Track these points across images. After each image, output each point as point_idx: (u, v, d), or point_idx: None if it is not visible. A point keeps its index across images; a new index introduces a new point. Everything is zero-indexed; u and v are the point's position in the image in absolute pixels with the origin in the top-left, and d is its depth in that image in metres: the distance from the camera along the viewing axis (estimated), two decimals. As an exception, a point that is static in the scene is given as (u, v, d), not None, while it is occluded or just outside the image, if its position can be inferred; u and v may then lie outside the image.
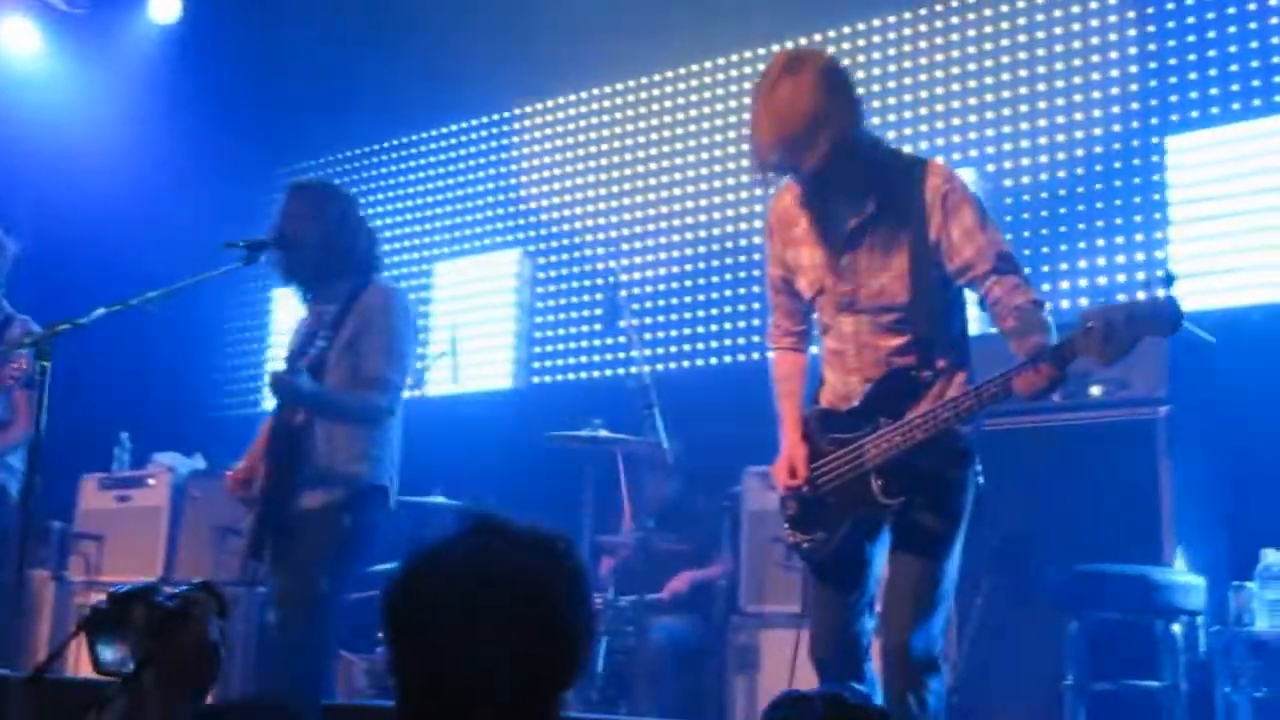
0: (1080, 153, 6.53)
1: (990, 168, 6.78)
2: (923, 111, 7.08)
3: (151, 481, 7.70)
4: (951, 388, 3.65)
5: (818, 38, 7.53)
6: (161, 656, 2.42)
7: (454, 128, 9.13)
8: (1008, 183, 6.71)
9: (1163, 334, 3.30)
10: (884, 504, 3.61)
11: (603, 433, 6.09)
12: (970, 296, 3.76)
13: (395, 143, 9.41)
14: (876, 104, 7.22)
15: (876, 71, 7.28)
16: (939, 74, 7.07)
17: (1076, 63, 6.62)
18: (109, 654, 2.46)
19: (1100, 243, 6.38)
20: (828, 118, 3.52)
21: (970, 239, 3.58)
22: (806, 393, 3.94)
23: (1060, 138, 6.62)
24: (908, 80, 7.17)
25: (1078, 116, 6.59)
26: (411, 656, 1.97)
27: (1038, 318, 3.51)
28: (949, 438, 3.60)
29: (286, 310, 5.33)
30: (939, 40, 7.10)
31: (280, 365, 4.85)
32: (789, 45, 7.57)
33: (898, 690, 3.61)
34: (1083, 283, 6.38)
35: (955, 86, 7.00)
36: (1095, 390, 5.11)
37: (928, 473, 3.62)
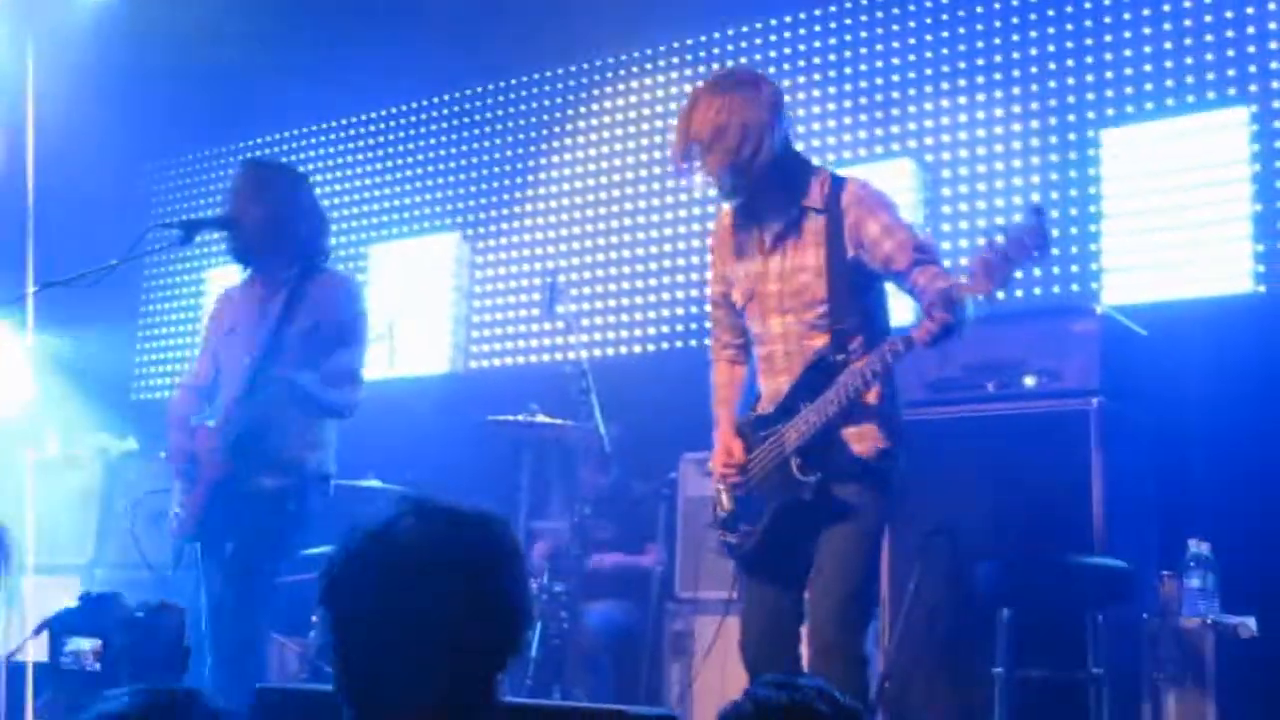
0: (1017, 145, 6.58)
1: (929, 158, 6.81)
2: (862, 101, 7.11)
3: (83, 464, 7.62)
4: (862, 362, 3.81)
5: (757, 25, 7.54)
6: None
7: (391, 110, 9.08)
8: (945, 174, 6.75)
9: (1036, 256, 3.59)
10: (801, 481, 3.80)
11: (540, 418, 6.09)
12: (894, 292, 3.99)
13: (331, 124, 9.33)
14: (817, 93, 7.24)
15: (817, 60, 7.30)
16: (878, 64, 7.10)
17: (1015, 55, 6.67)
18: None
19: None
20: (757, 128, 3.82)
21: (889, 234, 3.82)
22: (744, 405, 4.14)
23: (997, 130, 6.66)
24: (847, 70, 7.19)
25: (1015, 109, 6.63)
26: (351, 637, 1.97)
27: (966, 301, 3.68)
28: (868, 432, 3.85)
29: (219, 291, 5.28)
30: (879, 31, 7.12)
31: (238, 349, 4.82)
32: (726, 34, 7.62)
33: (825, 679, 3.66)
34: (1018, 274, 6.41)
35: (895, 78, 7.03)
36: (1028, 381, 5.15)
37: (846, 459, 3.83)
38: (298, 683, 5.92)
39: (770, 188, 3.91)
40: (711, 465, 4.09)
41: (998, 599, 4.71)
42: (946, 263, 3.75)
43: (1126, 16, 6.36)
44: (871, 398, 3.83)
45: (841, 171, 4.08)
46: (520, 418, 6.11)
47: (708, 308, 4.33)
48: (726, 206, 4.12)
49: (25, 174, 8.83)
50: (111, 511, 7.36)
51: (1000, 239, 3.58)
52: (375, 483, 6.58)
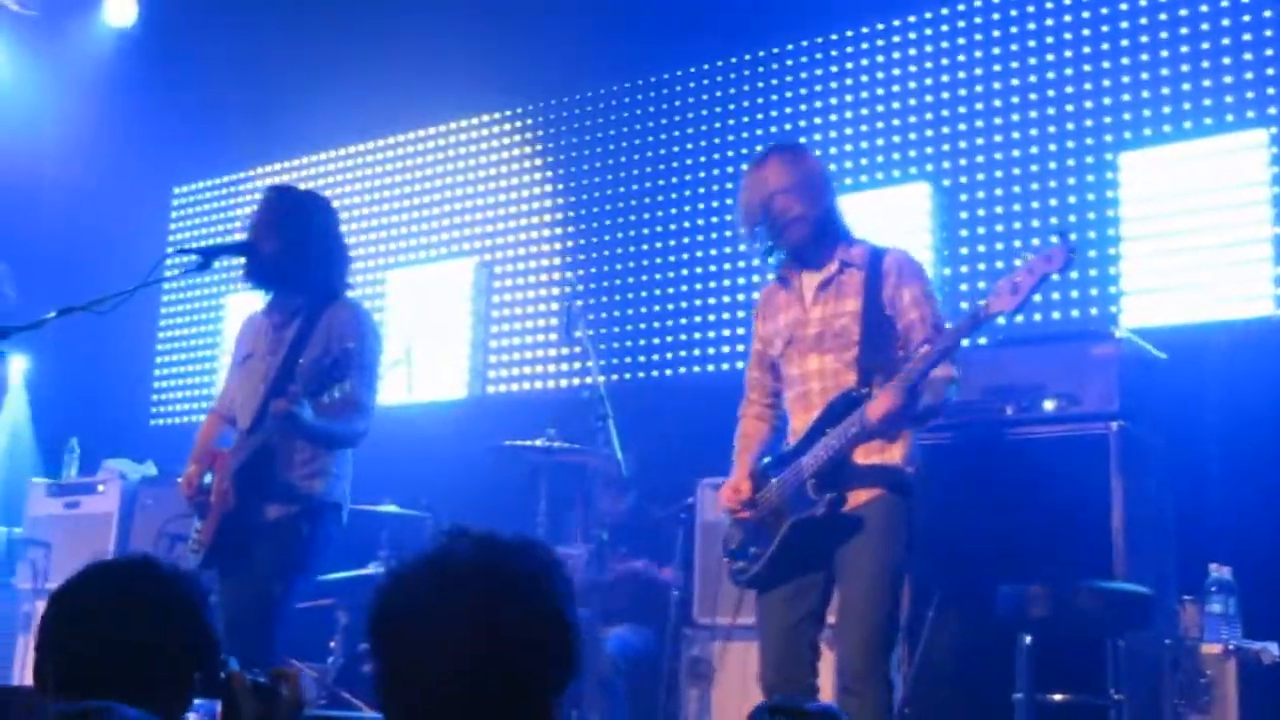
0: (1034, 168, 6.56)
1: (946, 182, 6.81)
2: (879, 125, 7.11)
3: (101, 488, 7.64)
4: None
5: (774, 50, 7.55)
6: None
7: (408, 136, 9.11)
8: (963, 197, 6.74)
9: (1059, 270, 3.81)
10: (813, 499, 3.98)
11: (557, 443, 6.08)
12: None
13: (350, 150, 9.37)
14: (834, 117, 7.25)
15: (834, 85, 7.30)
16: (895, 88, 7.10)
17: (1031, 79, 6.66)
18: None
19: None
20: (820, 185, 4.27)
21: (916, 306, 4.15)
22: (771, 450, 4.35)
23: (1015, 153, 6.65)
24: (864, 95, 7.19)
25: (1033, 133, 6.62)
26: (406, 668, 1.94)
27: (946, 385, 4.07)
28: (885, 470, 4.06)
29: (238, 317, 5.30)
30: (895, 55, 7.13)
31: (252, 378, 4.82)
32: (744, 59, 7.63)
33: (850, 705, 3.78)
34: (1036, 298, 6.39)
35: (911, 102, 7.03)
36: (1048, 405, 5.13)
37: (862, 476, 4.03)
38: (315, 710, 5.91)
39: (818, 248, 4.24)
40: (720, 499, 4.35)
41: (1017, 624, 4.67)
42: (964, 304, 3.88)
43: (1144, 39, 6.35)
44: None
45: (883, 244, 4.37)
46: (537, 443, 6.10)
47: (748, 367, 4.54)
48: (773, 278, 4.43)
49: (46, 199, 8.89)
50: (130, 536, 7.38)
51: (1022, 261, 3.83)
52: (392, 508, 6.58)
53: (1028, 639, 4.64)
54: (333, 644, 6.43)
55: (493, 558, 1.94)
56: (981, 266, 6.59)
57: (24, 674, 5.93)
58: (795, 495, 4.05)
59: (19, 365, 9.17)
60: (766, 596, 4.18)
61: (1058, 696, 4.67)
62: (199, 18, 8.80)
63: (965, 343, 4.00)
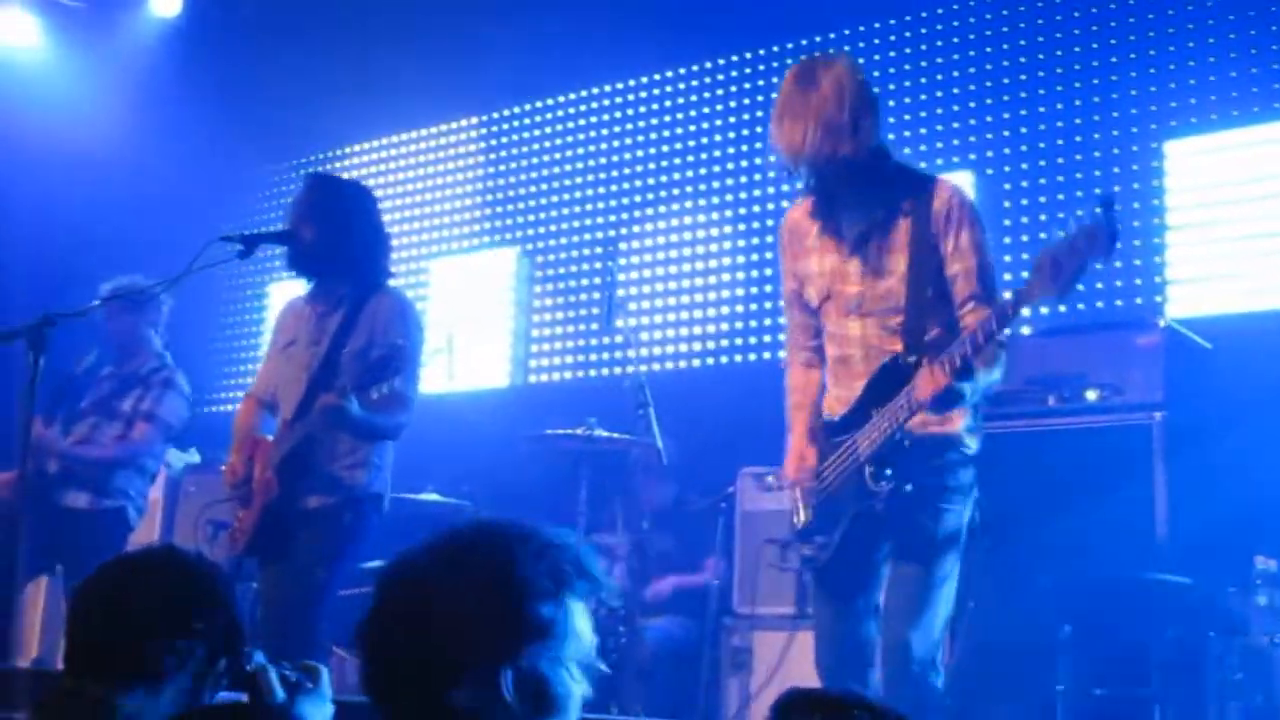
0: (1079, 157, 6.52)
1: (989, 171, 6.77)
2: (922, 115, 7.07)
3: (146, 476, 7.69)
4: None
5: (816, 39, 7.52)
6: None
7: (450, 125, 9.12)
8: (1006, 186, 6.70)
9: (1103, 253, 3.38)
10: (873, 490, 3.68)
11: (598, 432, 6.08)
12: None
13: (392, 140, 9.40)
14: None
15: (876, 74, 7.26)
16: (939, 77, 7.05)
17: (1076, 66, 6.61)
18: None
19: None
20: (862, 113, 3.66)
21: (963, 256, 3.71)
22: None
23: (1059, 142, 6.60)
24: (907, 83, 7.16)
25: (1077, 121, 6.57)
26: (371, 657, 2.01)
27: (997, 356, 3.67)
28: (946, 441, 3.72)
29: (282, 305, 5.32)
30: (938, 44, 7.08)
31: (294, 365, 4.84)
32: (785, 48, 7.60)
33: (897, 691, 3.64)
34: (1080, 287, 6.34)
35: (955, 90, 6.99)
36: (1091, 395, 5.10)
37: (921, 468, 3.68)
38: (358, 696, 5.94)
39: (856, 184, 3.74)
40: (785, 472, 3.96)
41: (1060, 616, 4.66)
42: (1007, 294, 3.60)
43: (1190, 26, 6.29)
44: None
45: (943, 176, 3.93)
46: (579, 431, 6.10)
47: (786, 306, 4.12)
48: (801, 201, 3.96)
49: (91, 189, 8.96)
50: (174, 523, 7.43)
51: (1067, 237, 3.39)
52: (434, 496, 6.60)
53: (1069, 630, 4.62)
54: (359, 630, 6.44)
55: (444, 546, 2.02)
56: (1025, 256, 6.55)
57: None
58: (855, 485, 3.73)
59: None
60: (827, 589, 3.90)
61: (1100, 689, 4.65)
62: (243, 7, 8.84)
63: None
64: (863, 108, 3.68)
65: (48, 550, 5.77)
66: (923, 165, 6.90)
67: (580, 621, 2.04)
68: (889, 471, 3.66)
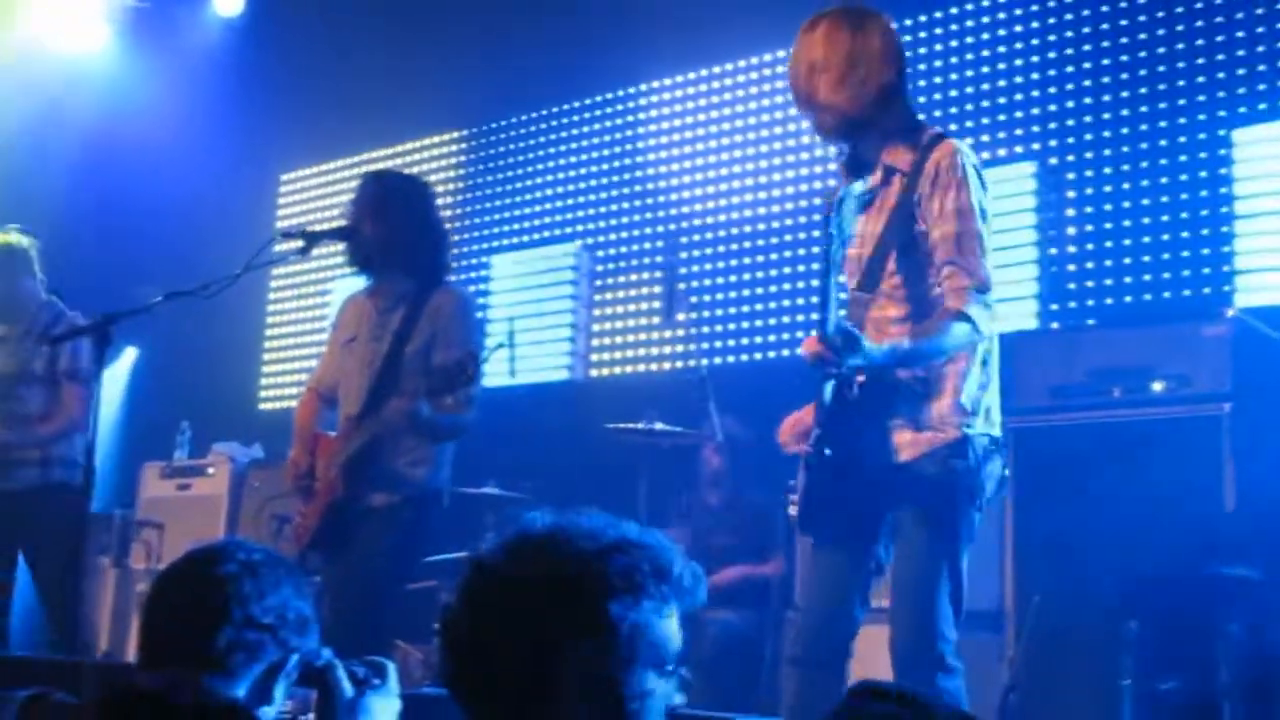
0: (1144, 146, 6.43)
1: (1052, 161, 6.69)
2: (984, 104, 7.00)
3: (211, 470, 7.78)
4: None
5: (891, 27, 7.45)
6: None
7: (511, 120, 9.13)
8: (1070, 176, 6.63)
9: None
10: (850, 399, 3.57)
11: (659, 426, 6.08)
12: None
13: (453, 135, 9.42)
14: (938, 96, 7.15)
15: (938, 64, 7.21)
16: (1000, 66, 6.98)
17: (1141, 54, 6.52)
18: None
19: (1165, 237, 6.28)
20: (887, 60, 3.63)
21: (944, 221, 3.57)
22: None
23: (1124, 131, 6.52)
24: (969, 73, 7.09)
25: (1142, 109, 6.48)
26: (456, 661, 2.01)
27: (944, 325, 3.52)
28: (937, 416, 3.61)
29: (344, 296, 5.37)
30: (1000, 32, 7.01)
31: (357, 362, 4.86)
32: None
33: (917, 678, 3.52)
34: (1147, 277, 6.28)
35: (1017, 79, 6.91)
36: (1157, 386, 5.04)
37: (927, 457, 3.59)
38: (422, 689, 5.97)
39: (859, 145, 3.73)
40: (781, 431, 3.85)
41: (1126, 610, 4.60)
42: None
43: (1260, 11, 6.18)
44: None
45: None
46: (639, 426, 6.10)
47: None
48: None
49: (156, 187, 9.06)
50: (238, 517, 7.50)
51: None
52: (495, 491, 6.62)
53: (1136, 625, 4.56)
54: (437, 625, 6.47)
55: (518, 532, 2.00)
56: (1090, 246, 6.48)
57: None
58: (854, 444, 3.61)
59: (128, 355, 9.38)
60: (818, 565, 3.78)
61: (1167, 684, 4.59)
62: (304, 6, 8.91)
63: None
64: (867, 58, 3.63)
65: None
66: (985, 156, 6.89)
67: (658, 623, 1.98)
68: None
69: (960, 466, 3.61)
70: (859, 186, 3.72)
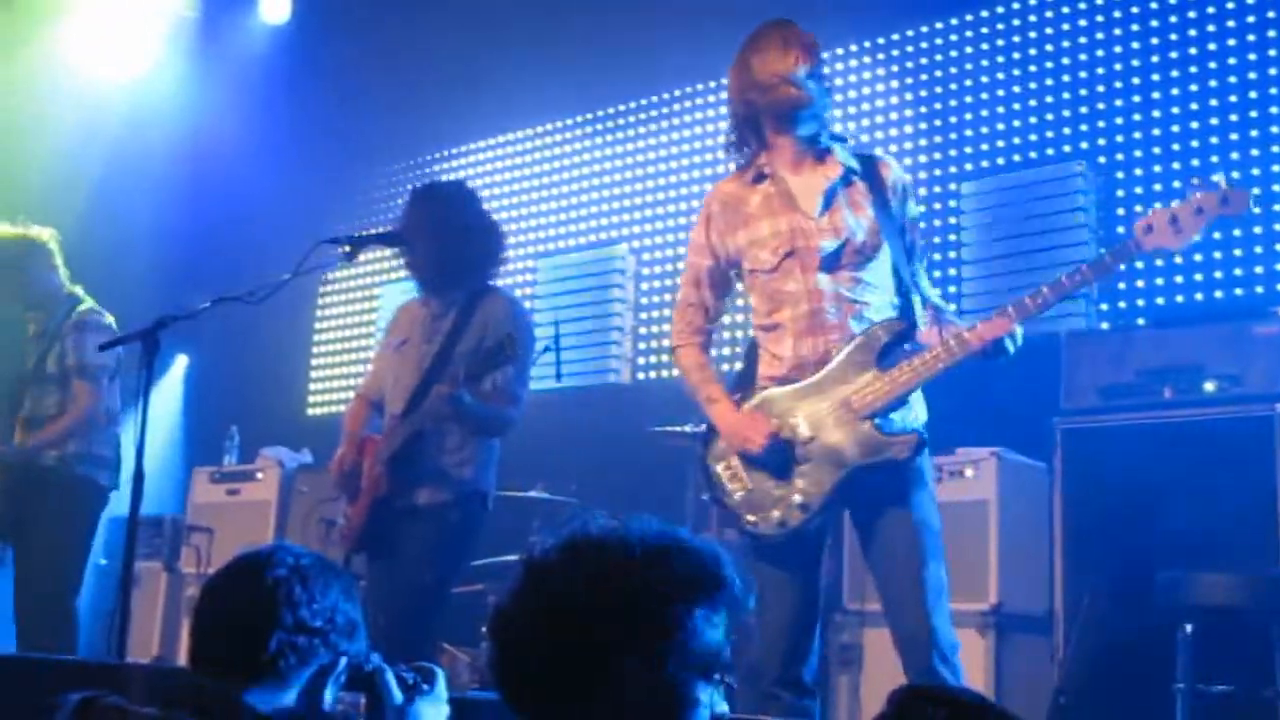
0: (1194, 144, 6.37)
1: (1101, 160, 6.64)
2: (1031, 104, 6.95)
3: (260, 475, 7.83)
4: (938, 329, 3.78)
5: (924, 29, 7.43)
6: None
7: (558, 124, 9.15)
8: (1120, 175, 6.57)
9: (1239, 210, 3.53)
10: (882, 440, 3.65)
11: (704, 428, 6.05)
12: None
13: (500, 139, 9.44)
14: (985, 96, 7.11)
15: (985, 64, 7.17)
16: (1048, 65, 6.94)
17: (1191, 50, 6.46)
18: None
19: (1216, 235, 6.21)
20: (806, 75, 3.84)
21: (912, 230, 3.91)
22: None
23: (1174, 129, 6.46)
24: (1016, 73, 7.04)
25: (1193, 106, 6.42)
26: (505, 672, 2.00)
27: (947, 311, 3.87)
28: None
29: (393, 307, 5.39)
30: (1048, 30, 6.96)
31: (408, 364, 4.89)
32: (891, 39, 7.53)
33: (928, 673, 3.53)
34: (1198, 276, 6.22)
35: (1065, 78, 6.86)
36: (1208, 387, 4.99)
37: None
38: (469, 692, 5.98)
39: (797, 145, 3.87)
40: (730, 442, 3.85)
41: (1178, 612, 4.55)
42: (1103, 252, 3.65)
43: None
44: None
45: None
46: (686, 429, 6.09)
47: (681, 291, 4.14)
48: (733, 176, 4.03)
49: (207, 195, 9.13)
50: (287, 522, 7.55)
51: (1192, 198, 3.54)
52: (542, 494, 6.62)
53: (1189, 628, 4.51)
54: (484, 628, 6.50)
55: (578, 538, 1.98)
56: (1142, 246, 6.41)
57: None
58: (860, 438, 3.66)
59: (180, 363, 9.46)
60: (777, 575, 3.79)
61: (1220, 687, 4.54)
62: (351, 12, 8.95)
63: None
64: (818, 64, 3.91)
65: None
66: (1033, 155, 6.85)
67: (709, 630, 1.95)
68: (896, 420, 3.69)
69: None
70: (807, 180, 3.89)
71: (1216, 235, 6.19)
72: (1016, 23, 7.11)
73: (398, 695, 2.52)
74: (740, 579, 2.00)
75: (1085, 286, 3.68)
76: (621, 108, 8.80)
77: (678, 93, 8.54)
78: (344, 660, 2.52)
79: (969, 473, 5.46)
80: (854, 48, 7.75)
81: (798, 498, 3.73)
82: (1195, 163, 6.35)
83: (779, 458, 3.74)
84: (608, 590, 1.92)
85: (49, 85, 8.46)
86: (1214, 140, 6.32)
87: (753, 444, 3.76)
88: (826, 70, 4.08)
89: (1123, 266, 3.74)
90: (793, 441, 3.74)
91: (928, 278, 3.97)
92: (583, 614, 1.92)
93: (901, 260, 3.82)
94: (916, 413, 3.81)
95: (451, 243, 4.85)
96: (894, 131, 7.43)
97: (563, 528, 2.02)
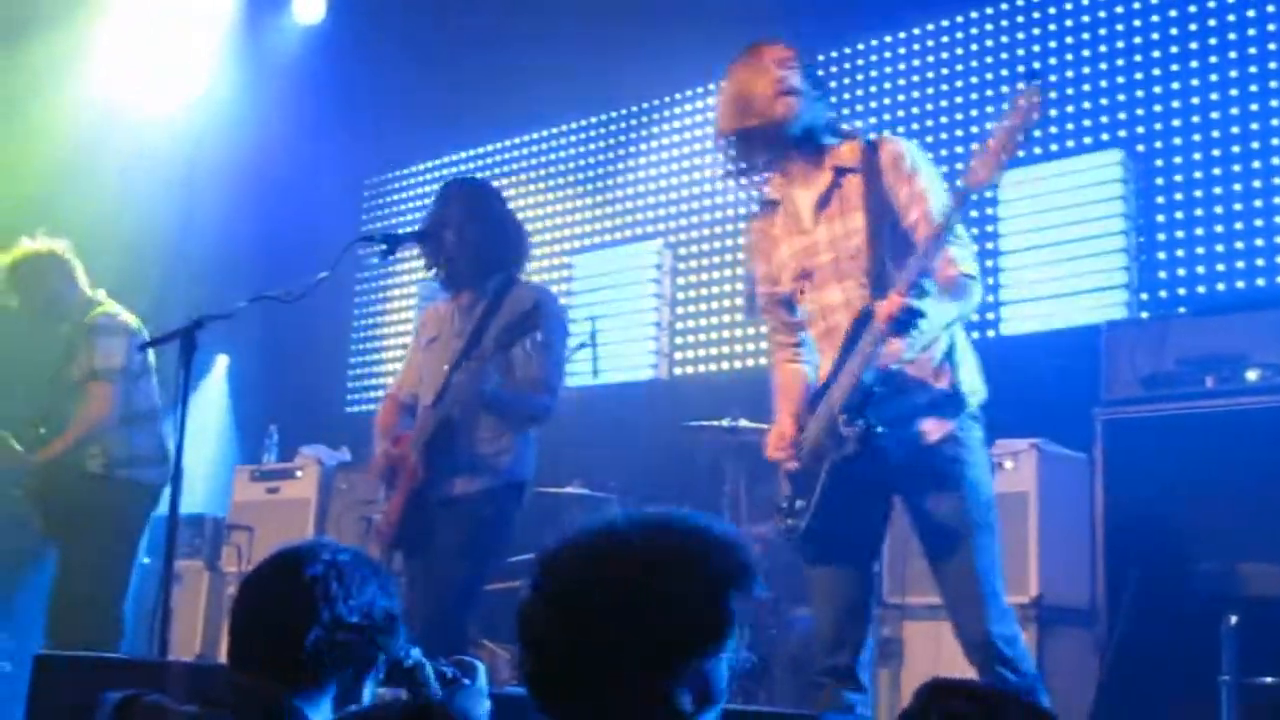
0: (1235, 130, 6.31)
1: (1140, 148, 6.58)
2: (1069, 92, 6.90)
3: (300, 474, 7.86)
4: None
5: (958, 19, 7.39)
6: None
7: (594, 119, 9.14)
8: (1158, 163, 6.52)
9: (1031, 120, 3.46)
10: (844, 435, 3.60)
11: (743, 423, 6.06)
12: None
13: (534, 136, 9.45)
14: (1021, 85, 7.04)
15: (1020, 53, 7.12)
16: (1084, 54, 6.88)
17: (1231, 36, 6.40)
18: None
19: (1258, 222, 6.16)
20: (785, 90, 3.84)
21: (915, 203, 3.71)
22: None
23: (1214, 115, 6.40)
24: (1052, 61, 6.99)
25: (1232, 93, 6.36)
26: (534, 652, 1.95)
27: (962, 285, 3.66)
28: (925, 383, 3.70)
29: (427, 302, 5.41)
30: (1084, 19, 6.91)
31: (438, 358, 4.90)
32: (925, 30, 7.49)
33: (992, 674, 3.56)
34: (1239, 264, 6.16)
35: (1102, 66, 6.81)
36: (1252, 375, 4.93)
37: (915, 410, 3.68)
38: (508, 688, 5.99)
39: (797, 157, 3.88)
40: (768, 450, 3.92)
41: (1222, 603, 4.51)
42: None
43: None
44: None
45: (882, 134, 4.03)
46: (723, 423, 6.08)
47: (763, 312, 4.18)
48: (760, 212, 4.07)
49: (243, 195, 9.17)
50: (325, 520, 7.57)
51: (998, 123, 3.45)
52: (581, 490, 6.62)
53: (1233, 619, 4.46)
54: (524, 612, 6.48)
55: (632, 533, 1.93)
56: (1180, 234, 6.36)
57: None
58: (830, 434, 3.66)
59: (221, 363, 9.51)
60: (815, 546, 3.80)
61: (1268, 679, 4.49)
62: (384, 12, 8.97)
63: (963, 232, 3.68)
64: (779, 79, 3.86)
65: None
66: (1070, 145, 6.79)
67: (739, 620, 1.95)
68: (859, 418, 3.60)
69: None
70: (805, 194, 3.91)
71: (1258, 222, 6.14)
72: (1052, 10, 7.06)
73: (437, 689, 2.52)
74: (761, 574, 1.98)
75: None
76: (656, 102, 8.79)
77: (712, 87, 8.51)
78: (382, 656, 2.52)
79: (1009, 465, 5.42)
80: (888, 39, 7.71)
81: (800, 502, 3.79)
82: (1235, 149, 6.29)
83: (797, 471, 3.81)
84: (678, 581, 1.88)
85: (98, 121, 8.50)
86: (1254, 126, 6.26)
87: (773, 457, 3.89)
88: (820, 73, 4.05)
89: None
90: (805, 444, 3.78)
91: (959, 245, 3.72)
92: (651, 608, 1.87)
93: (886, 246, 3.71)
94: (929, 398, 3.73)
95: (481, 234, 4.87)
96: (929, 123, 7.40)
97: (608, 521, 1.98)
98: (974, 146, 3.45)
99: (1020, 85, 3.52)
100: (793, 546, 3.86)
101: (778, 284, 4.00)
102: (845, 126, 4.00)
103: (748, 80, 3.92)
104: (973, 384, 3.80)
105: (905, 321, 3.44)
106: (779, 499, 3.89)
